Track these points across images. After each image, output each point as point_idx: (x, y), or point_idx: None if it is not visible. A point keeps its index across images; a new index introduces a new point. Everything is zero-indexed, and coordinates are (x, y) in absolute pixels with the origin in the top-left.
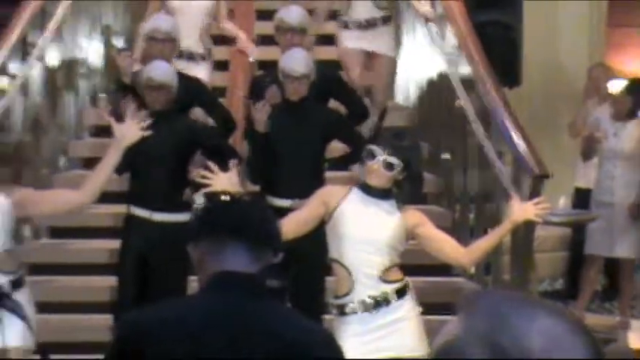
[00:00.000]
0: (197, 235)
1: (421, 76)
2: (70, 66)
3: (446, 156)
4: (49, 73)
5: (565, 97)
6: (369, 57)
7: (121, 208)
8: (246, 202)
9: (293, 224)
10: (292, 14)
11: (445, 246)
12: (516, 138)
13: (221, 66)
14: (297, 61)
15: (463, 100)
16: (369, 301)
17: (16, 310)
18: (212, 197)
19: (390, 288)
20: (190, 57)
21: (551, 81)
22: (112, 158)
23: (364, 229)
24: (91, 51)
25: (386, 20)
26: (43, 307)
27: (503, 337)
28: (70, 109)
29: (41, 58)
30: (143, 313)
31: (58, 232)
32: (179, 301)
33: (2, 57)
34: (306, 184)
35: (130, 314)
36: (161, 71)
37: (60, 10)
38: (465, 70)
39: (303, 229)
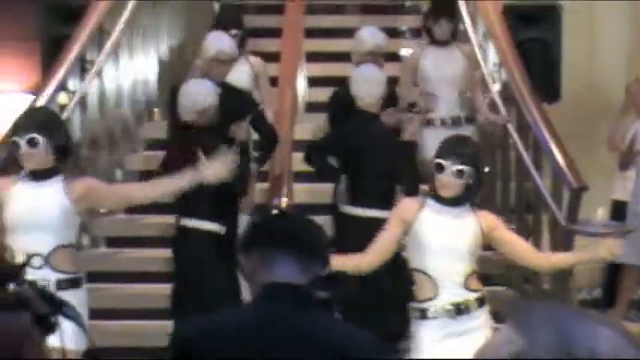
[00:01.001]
0: (248, 247)
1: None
2: (126, 81)
3: (487, 169)
4: (106, 89)
5: (603, 112)
6: None
7: (172, 219)
8: (296, 215)
9: (377, 255)
10: (383, 40)
11: (523, 249)
12: (555, 152)
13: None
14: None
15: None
16: (450, 307)
17: (68, 313)
18: (263, 210)
19: (472, 296)
20: None
21: (590, 96)
22: (183, 183)
23: (445, 238)
24: (147, 67)
25: (469, 120)
26: (101, 314)
27: (577, 348)
28: (126, 124)
29: (98, 75)
30: (199, 321)
31: (114, 242)
32: (232, 311)
33: (62, 74)
34: (392, 195)
35: (187, 322)
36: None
37: (117, 28)
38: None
39: (388, 254)
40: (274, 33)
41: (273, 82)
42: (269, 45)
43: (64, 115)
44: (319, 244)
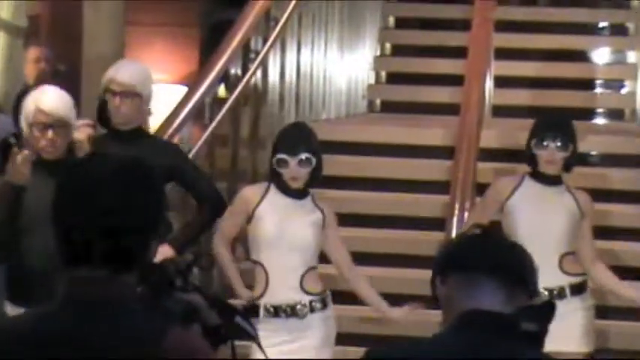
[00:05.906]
0: (445, 271)
1: None
2: (291, 75)
3: None
4: (270, 82)
5: None
6: None
7: None
8: (500, 236)
9: None
10: None
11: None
12: None
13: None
14: None
15: None
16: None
17: (240, 323)
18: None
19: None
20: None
21: None
22: None
23: None
24: (314, 60)
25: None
26: None
27: None
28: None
29: (262, 66)
30: (393, 349)
31: None
32: (430, 340)
33: (221, 63)
34: None
35: (380, 350)
36: None
37: (285, 15)
38: None
39: None
40: (460, 25)
41: (460, 80)
42: (454, 38)
43: (223, 111)
44: (527, 270)
